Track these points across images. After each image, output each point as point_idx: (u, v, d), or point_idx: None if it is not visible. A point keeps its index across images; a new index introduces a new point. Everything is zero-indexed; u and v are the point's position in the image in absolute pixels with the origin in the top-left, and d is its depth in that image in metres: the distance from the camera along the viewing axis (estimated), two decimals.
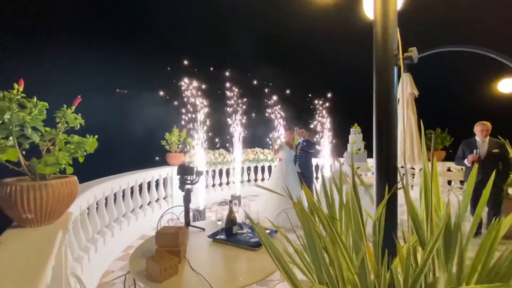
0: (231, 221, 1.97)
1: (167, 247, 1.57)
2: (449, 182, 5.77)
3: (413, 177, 6.66)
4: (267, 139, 7.62)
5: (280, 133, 7.22)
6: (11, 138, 1.33)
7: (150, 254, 1.59)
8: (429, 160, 1.09)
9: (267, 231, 2.08)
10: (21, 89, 1.34)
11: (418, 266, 0.91)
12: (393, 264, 1.01)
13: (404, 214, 1.05)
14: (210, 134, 5.77)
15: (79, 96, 1.56)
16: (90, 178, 3.30)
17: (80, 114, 1.60)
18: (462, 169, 5.28)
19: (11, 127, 1.30)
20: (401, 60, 1.09)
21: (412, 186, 6.41)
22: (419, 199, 1.14)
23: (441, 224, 1.10)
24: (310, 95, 7.77)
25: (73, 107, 1.54)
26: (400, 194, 1.17)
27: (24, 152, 1.42)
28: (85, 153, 1.56)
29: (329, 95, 7.63)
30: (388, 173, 1.15)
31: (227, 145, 6.76)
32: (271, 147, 7.41)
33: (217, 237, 1.95)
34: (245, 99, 6.67)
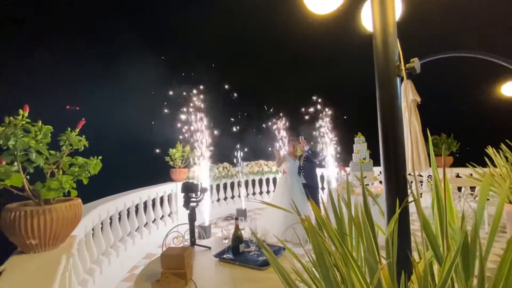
0: (237, 239, 1.92)
1: (173, 269, 1.53)
2: (459, 189, 5.64)
3: (421, 184, 6.54)
4: (270, 149, 7.60)
5: (282, 144, 7.20)
6: (15, 163, 1.33)
7: (156, 277, 1.54)
8: (437, 166, 1.06)
9: (275, 248, 2.02)
10: (26, 114, 1.35)
11: (437, 285, 0.86)
12: (409, 282, 0.96)
13: (414, 223, 1.01)
14: (213, 147, 5.77)
15: (83, 119, 1.57)
16: (93, 195, 3.25)
17: (84, 136, 1.62)
18: (471, 174, 5.16)
19: (16, 152, 1.31)
20: (403, 71, 1.09)
21: (421, 194, 6.29)
22: (431, 210, 1.10)
23: (456, 238, 1.05)
24: (312, 105, 7.80)
25: (77, 130, 1.55)
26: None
27: (28, 176, 1.42)
28: (89, 175, 1.55)
29: (331, 104, 7.65)
30: (397, 185, 1.11)
31: (232, 158, 6.75)
32: (272, 159, 7.38)
33: (224, 256, 1.90)
34: (247, 111, 6.72)
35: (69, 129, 1.52)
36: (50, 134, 1.47)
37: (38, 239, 1.34)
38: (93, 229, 2.99)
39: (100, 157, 1.61)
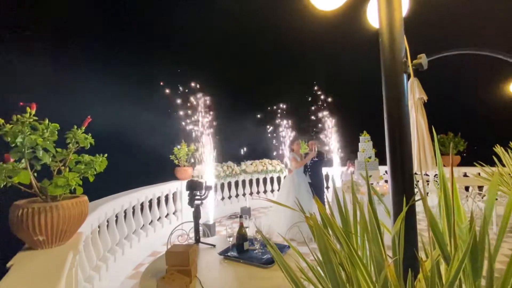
0: (242, 237, 1.93)
1: (178, 266, 1.54)
2: (467, 188, 5.56)
3: (428, 184, 6.47)
4: (276, 152, 7.60)
5: (286, 143, 7.19)
6: (23, 160, 1.35)
7: (161, 274, 1.56)
8: (444, 165, 1.04)
9: (279, 246, 2.02)
10: (33, 112, 1.37)
11: (445, 285, 0.85)
12: (416, 281, 0.95)
13: (421, 223, 0.99)
14: (218, 146, 5.78)
15: (89, 116, 1.58)
16: (98, 193, 3.26)
17: (90, 134, 1.63)
18: (479, 174, 5.08)
19: (23, 150, 1.32)
20: (410, 67, 1.07)
21: (427, 193, 6.22)
22: (438, 209, 1.08)
23: (464, 237, 1.04)
24: (317, 104, 7.77)
25: (83, 127, 1.56)
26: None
27: (35, 173, 1.43)
28: (95, 173, 1.57)
29: (335, 103, 7.61)
30: (404, 184, 1.10)
31: (236, 156, 6.76)
32: (276, 158, 7.36)
33: (228, 254, 1.90)
34: (251, 111, 6.72)
35: (75, 126, 1.53)
36: (57, 132, 1.49)
37: (45, 235, 1.36)
38: (99, 227, 3.02)
39: (106, 155, 1.63)
